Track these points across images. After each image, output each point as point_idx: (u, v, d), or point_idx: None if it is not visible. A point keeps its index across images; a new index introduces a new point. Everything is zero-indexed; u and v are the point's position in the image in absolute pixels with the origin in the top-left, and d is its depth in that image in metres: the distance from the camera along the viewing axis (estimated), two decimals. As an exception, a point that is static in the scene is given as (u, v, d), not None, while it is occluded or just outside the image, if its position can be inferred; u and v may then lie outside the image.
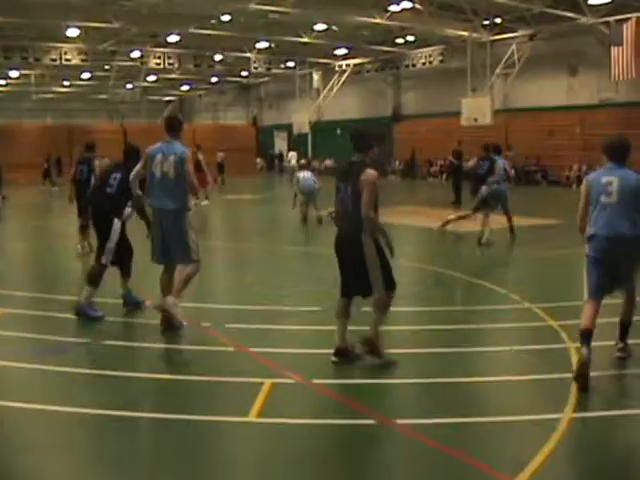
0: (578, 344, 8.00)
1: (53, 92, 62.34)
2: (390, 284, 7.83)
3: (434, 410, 6.53)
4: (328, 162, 53.21)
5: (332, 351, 7.86)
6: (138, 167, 9.19)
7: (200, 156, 26.49)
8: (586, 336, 7.19)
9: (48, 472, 5.57)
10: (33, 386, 7.48)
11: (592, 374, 6.94)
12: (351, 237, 7.75)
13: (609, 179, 7.42)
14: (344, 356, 7.81)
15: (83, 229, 14.70)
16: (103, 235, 10.06)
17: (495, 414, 6.48)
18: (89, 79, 56.16)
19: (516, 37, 39.62)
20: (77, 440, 6.08)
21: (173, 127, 9.34)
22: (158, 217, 9.11)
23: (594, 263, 7.66)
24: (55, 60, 43.10)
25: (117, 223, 9.98)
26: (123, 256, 10.31)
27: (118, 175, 10.14)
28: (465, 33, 39.36)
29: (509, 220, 16.87)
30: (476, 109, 39.38)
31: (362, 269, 7.63)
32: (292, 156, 49.63)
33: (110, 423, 6.32)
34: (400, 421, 6.18)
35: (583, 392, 6.72)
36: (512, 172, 17.58)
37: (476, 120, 39.08)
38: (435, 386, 7.22)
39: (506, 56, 40.31)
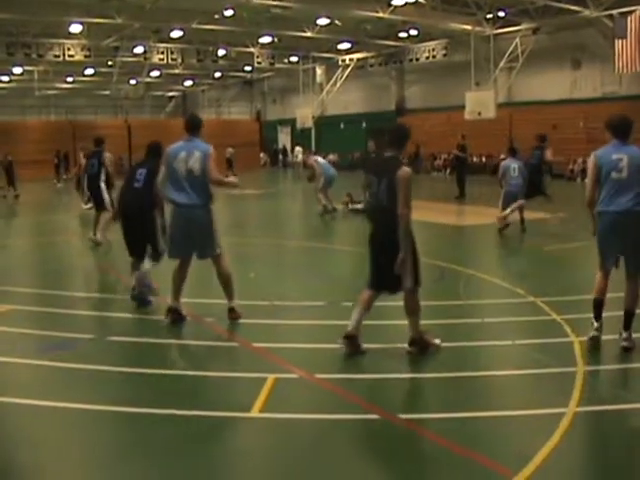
0: (582, 338, 8.02)
1: (56, 88, 62.36)
2: (417, 281, 7.90)
3: (437, 405, 6.53)
4: (332, 157, 53.12)
5: (336, 345, 7.85)
6: (163, 168, 9.21)
7: None
8: (596, 306, 7.87)
9: (52, 468, 5.57)
10: (39, 382, 7.49)
11: (596, 368, 6.93)
12: (387, 233, 7.76)
13: (619, 156, 7.67)
14: (352, 342, 7.86)
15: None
16: (138, 230, 10.41)
17: (499, 408, 6.47)
18: (92, 75, 56.13)
19: (520, 30, 39.55)
20: (82, 436, 6.07)
21: (194, 126, 9.43)
22: (183, 213, 9.14)
23: (604, 237, 7.91)
24: (58, 56, 43.12)
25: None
26: (143, 248, 10.49)
27: (144, 170, 10.53)
28: (468, 27, 39.31)
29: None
30: (480, 103, 39.33)
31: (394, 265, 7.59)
32: (298, 151, 49.63)
33: (115, 419, 6.33)
34: (403, 416, 6.17)
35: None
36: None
37: (480, 114, 39.03)
38: (438, 381, 7.21)
39: (510, 50, 40.29)
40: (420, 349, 7.88)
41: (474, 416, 6.22)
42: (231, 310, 9.48)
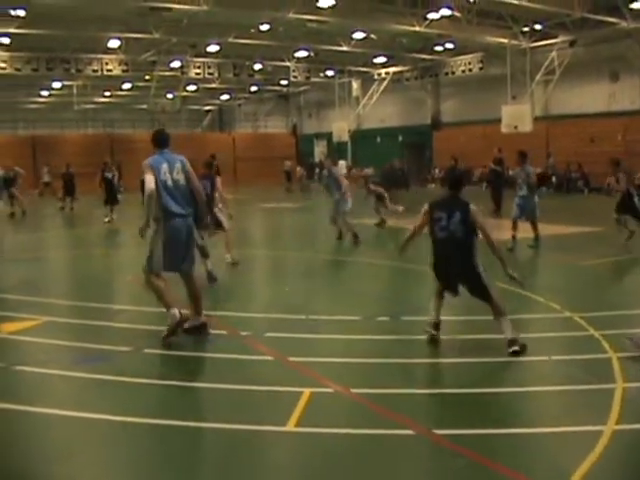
0: (621, 354, 7.92)
1: (94, 102, 62.93)
2: None
3: (473, 421, 6.46)
4: (367, 170, 53.04)
5: (371, 360, 7.83)
6: (151, 178, 9.16)
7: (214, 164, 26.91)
8: None
9: (74, 475, 5.60)
10: (74, 394, 7.54)
11: (636, 385, 6.84)
12: (464, 261, 8.88)
13: None
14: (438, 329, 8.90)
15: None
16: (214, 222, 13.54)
17: (534, 425, 6.39)
18: (130, 89, 56.64)
19: (556, 43, 39.33)
20: (117, 448, 6.10)
21: (164, 141, 9.59)
22: (181, 223, 9.23)
23: None
24: (97, 71, 43.59)
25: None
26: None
27: (207, 182, 13.24)
28: (505, 40, 39.17)
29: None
30: (516, 116, 39.14)
31: (477, 284, 8.85)
32: (341, 165, 49.62)
33: (150, 431, 6.35)
34: (438, 431, 6.13)
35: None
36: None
37: (516, 127, 38.83)
38: (474, 396, 7.15)
39: (546, 62, 40.08)
40: (521, 349, 8.32)
41: (510, 433, 6.17)
42: (205, 325, 9.52)
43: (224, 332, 9.67)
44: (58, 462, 5.86)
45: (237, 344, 9.22)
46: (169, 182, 9.14)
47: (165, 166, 9.17)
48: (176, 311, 9.15)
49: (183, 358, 8.66)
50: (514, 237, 16.91)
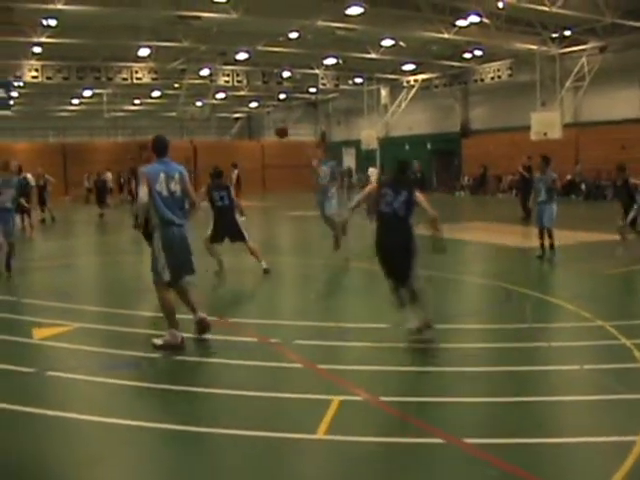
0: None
1: (124, 110, 63.37)
2: None
3: (504, 430, 6.42)
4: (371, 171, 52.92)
5: (401, 368, 7.80)
6: (146, 189, 9.22)
7: (236, 173, 27.29)
8: None
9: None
10: (103, 400, 7.57)
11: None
12: (403, 236, 9.52)
13: None
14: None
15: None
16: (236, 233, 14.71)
17: (565, 435, 6.34)
18: (159, 97, 57.00)
19: (586, 49, 39.11)
20: (145, 454, 6.12)
21: (164, 147, 9.52)
22: (176, 232, 9.31)
23: None
24: (126, 79, 43.96)
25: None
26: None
27: (224, 193, 14.65)
28: (534, 46, 39.02)
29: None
30: (546, 123, 38.96)
31: (407, 261, 9.40)
32: (372, 172, 49.59)
33: (178, 438, 6.36)
34: (469, 440, 6.09)
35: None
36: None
37: (546, 134, 38.64)
38: (504, 405, 7.11)
39: (576, 69, 39.87)
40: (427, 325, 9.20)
41: (541, 442, 6.11)
42: (203, 320, 9.61)
43: (253, 339, 9.68)
44: (87, 467, 5.89)
45: (266, 351, 9.23)
46: (164, 192, 9.18)
47: (162, 176, 9.19)
48: (178, 334, 9.28)
49: (212, 365, 8.68)
50: (542, 245, 16.62)
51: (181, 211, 9.34)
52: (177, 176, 9.27)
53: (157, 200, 9.14)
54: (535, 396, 7.33)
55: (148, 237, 10.47)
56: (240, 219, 14.97)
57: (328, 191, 17.54)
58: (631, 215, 16.34)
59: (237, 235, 14.69)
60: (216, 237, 14.56)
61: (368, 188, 9.95)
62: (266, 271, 14.76)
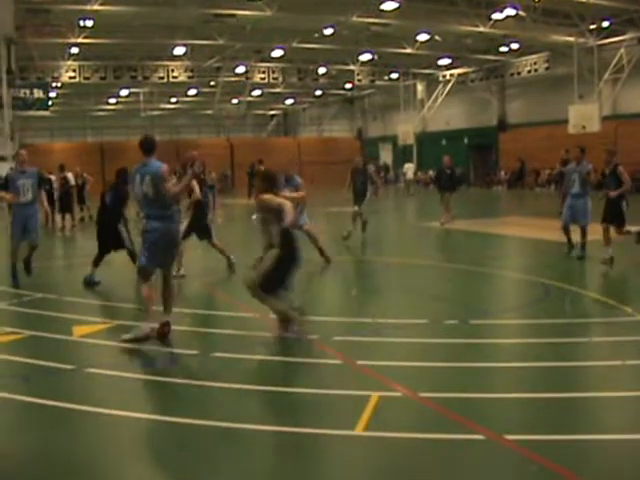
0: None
1: (161, 109, 63.81)
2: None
3: (545, 426, 6.35)
4: (432, 173, 52.90)
5: (438, 364, 7.77)
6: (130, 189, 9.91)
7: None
8: None
9: (145, 477, 5.66)
10: (142, 396, 7.62)
11: None
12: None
13: None
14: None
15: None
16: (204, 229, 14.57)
17: (607, 432, 6.24)
18: (195, 95, 57.34)
19: (624, 40, 38.67)
20: (182, 450, 6.12)
21: (149, 147, 9.73)
22: (153, 225, 9.51)
23: None
24: (163, 78, 44.31)
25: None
26: None
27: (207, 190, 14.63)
28: (571, 38, 38.69)
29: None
30: (584, 116, 38.63)
31: None
32: (408, 168, 49.50)
33: (217, 434, 6.36)
34: (510, 437, 6.02)
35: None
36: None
37: (584, 127, 38.29)
38: (545, 401, 7.03)
39: (614, 60, 39.48)
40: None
41: (583, 439, 6.02)
42: (167, 324, 9.57)
43: (292, 336, 9.68)
44: (129, 463, 5.92)
45: (305, 348, 9.23)
46: (139, 193, 9.50)
47: (137, 177, 9.48)
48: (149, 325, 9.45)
49: (250, 362, 8.69)
50: (570, 240, 15.73)
51: (162, 209, 9.44)
52: (147, 178, 9.38)
53: (136, 199, 9.69)
54: (576, 392, 7.25)
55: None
56: (211, 217, 15.10)
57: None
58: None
59: (204, 232, 14.72)
60: (185, 233, 14.39)
61: None
62: (231, 265, 14.86)
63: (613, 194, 14.56)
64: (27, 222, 13.76)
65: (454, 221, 23.51)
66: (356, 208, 20.34)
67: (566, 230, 15.74)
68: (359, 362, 8.30)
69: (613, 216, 14.67)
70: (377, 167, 56.02)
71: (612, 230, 14.60)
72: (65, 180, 28.28)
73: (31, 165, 14.23)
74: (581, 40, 38.89)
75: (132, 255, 13.55)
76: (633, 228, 14.83)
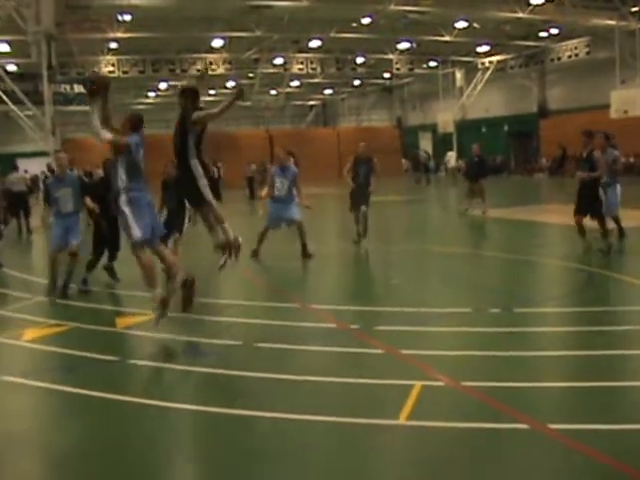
0: None
1: (200, 101, 63.95)
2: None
3: (589, 415, 6.28)
4: (461, 162, 52.55)
5: (481, 353, 7.73)
6: None
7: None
8: None
9: (192, 469, 5.67)
10: (186, 387, 7.66)
11: None
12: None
13: None
14: None
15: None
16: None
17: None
18: (234, 87, 57.40)
19: (668, 22, 38.05)
20: (226, 440, 6.14)
21: (136, 124, 9.96)
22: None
23: None
24: (201, 70, 44.38)
25: None
26: None
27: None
28: (612, 22, 38.15)
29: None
30: (626, 101, 38.09)
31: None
32: (451, 156, 49.29)
33: (262, 424, 6.38)
34: (554, 426, 5.97)
35: None
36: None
37: (626, 112, 37.77)
38: (589, 390, 6.95)
39: (658, 43, 38.85)
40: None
41: (628, 428, 5.94)
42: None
43: (334, 325, 9.68)
44: (170, 453, 5.97)
45: (347, 337, 9.22)
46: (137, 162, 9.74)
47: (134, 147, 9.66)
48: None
49: (293, 352, 8.69)
50: (606, 232, 14.63)
51: (144, 181, 9.58)
52: (142, 151, 9.76)
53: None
54: (621, 381, 7.16)
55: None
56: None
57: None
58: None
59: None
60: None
61: None
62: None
63: (581, 175, 14.21)
64: (68, 233, 12.58)
65: (475, 209, 23.40)
66: (363, 208, 17.19)
67: (603, 222, 14.70)
68: (402, 351, 8.28)
69: (588, 206, 14.20)
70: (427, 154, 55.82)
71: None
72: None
73: (74, 163, 13.80)
74: (622, 23, 38.32)
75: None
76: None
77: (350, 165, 17.63)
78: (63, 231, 12.55)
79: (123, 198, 9.26)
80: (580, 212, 14.34)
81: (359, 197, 17.19)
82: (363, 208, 17.13)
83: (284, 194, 15.33)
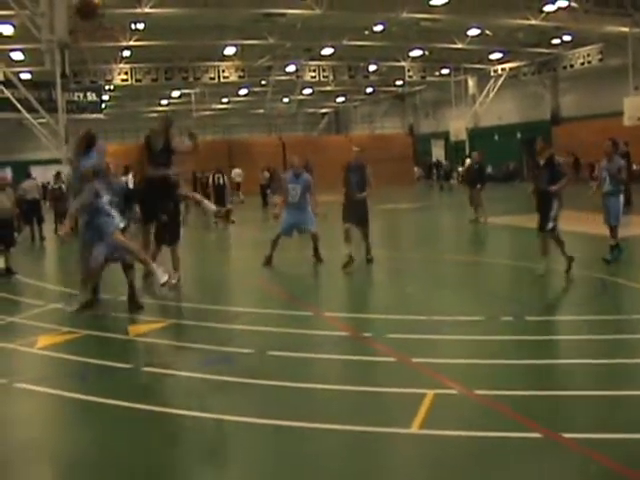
0: None
1: (212, 109, 64.22)
2: None
3: (603, 425, 6.24)
4: (461, 169, 52.48)
5: (494, 361, 7.71)
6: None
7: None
8: None
9: (209, 477, 5.69)
10: (198, 395, 7.65)
11: None
12: None
13: None
14: None
15: None
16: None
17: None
18: (246, 95, 57.62)
19: (681, 29, 37.91)
20: (238, 448, 6.14)
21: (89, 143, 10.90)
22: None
23: None
24: (214, 78, 44.60)
25: None
26: None
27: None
28: (625, 29, 38.02)
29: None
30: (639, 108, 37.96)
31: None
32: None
33: (273, 433, 6.37)
34: (568, 435, 5.94)
35: None
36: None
37: (639, 119, 37.67)
38: (604, 399, 6.91)
39: (671, 49, 38.74)
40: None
41: (643, 437, 5.91)
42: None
43: (346, 334, 9.67)
44: (184, 461, 5.96)
45: (359, 345, 9.21)
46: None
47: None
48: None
49: (305, 360, 8.68)
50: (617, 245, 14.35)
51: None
52: None
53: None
54: (636, 390, 7.12)
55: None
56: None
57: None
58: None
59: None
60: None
61: None
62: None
63: (555, 188, 13.09)
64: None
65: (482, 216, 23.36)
66: (347, 225, 15.05)
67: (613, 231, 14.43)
68: (414, 360, 8.26)
69: (543, 218, 13.35)
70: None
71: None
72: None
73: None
74: (636, 30, 38.16)
75: None
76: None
77: (343, 174, 15.43)
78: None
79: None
80: (543, 229, 13.41)
81: (351, 209, 15.06)
82: (346, 225, 15.02)
83: (297, 200, 15.35)
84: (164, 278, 10.80)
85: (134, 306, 11.56)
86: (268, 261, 15.32)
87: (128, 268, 11.75)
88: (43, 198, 27.60)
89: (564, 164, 13.85)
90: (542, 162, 13.75)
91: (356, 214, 14.95)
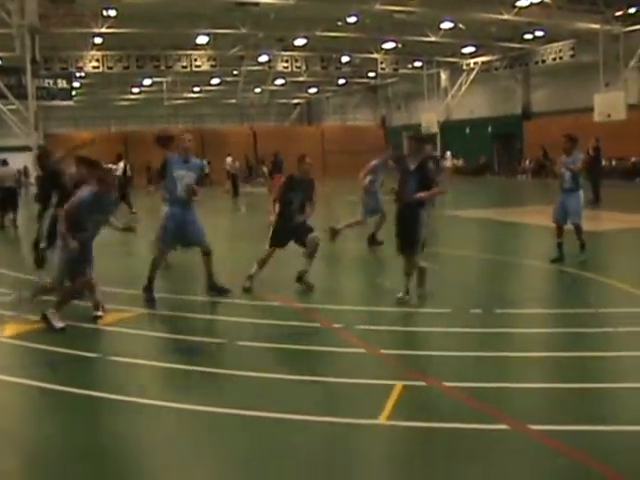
0: None
1: (184, 98, 63.96)
2: None
3: (569, 417, 6.29)
4: (456, 162, 52.77)
5: (462, 353, 7.75)
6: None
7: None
8: None
9: (177, 468, 5.66)
10: (165, 384, 7.66)
11: None
12: None
13: None
14: None
15: None
16: None
17: (632, 423, 6.17)
18: (218, 84, 57.40)
19: (652, 27, 38.21)
20: (208, 438, 6.13)
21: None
22: None
23: None
24: (185, 67, 44.40)
25: None
26: None
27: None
28: (597, 26, 38.27)
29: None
30: (609, 104, 38.23)
31: None
32: (447, 156, 49.43)
33: (239, 422, 6.36)
34: (534, 427, 5.98)
35: None
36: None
37: (609, 116, 37.94)
38: (570, 391, 6.97)
39: (641, 48, 39.02)
40: None
41: (610, 430, 5.95)
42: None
43: (317, 324, 9.67)
44: (149, 451, 5.95)
45: (329, 336, 9.22)
46: None
47: None
48: None
49: (275, 350, 8.68)
50: (561, 245, 13.81)
51: None
52: None
53: None
54: (602, 382, 7.19)
55: None
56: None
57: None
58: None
59: None
60: None
61: None
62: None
63: (423, 196, 10.67)
64: (185, 227, 11.33)
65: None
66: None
67: (560, 231, 13.88)
68: (383, 351, 8.29)
69: (409, 238, 11.00)
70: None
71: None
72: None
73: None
74: (607, 27, 38.43)
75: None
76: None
77: (281, 190, 12.28)
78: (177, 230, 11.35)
79: None
80: (404, 248, 11.20)
81: (285, 233, 12.03)
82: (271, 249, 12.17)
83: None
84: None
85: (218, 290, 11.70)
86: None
87: (206, 255, 11.55)
88: (18, 187, 27.35)
89: (443, 169, 12.47)
90: (413, 165, 10.79)
91: (293, 236, 12.09)
